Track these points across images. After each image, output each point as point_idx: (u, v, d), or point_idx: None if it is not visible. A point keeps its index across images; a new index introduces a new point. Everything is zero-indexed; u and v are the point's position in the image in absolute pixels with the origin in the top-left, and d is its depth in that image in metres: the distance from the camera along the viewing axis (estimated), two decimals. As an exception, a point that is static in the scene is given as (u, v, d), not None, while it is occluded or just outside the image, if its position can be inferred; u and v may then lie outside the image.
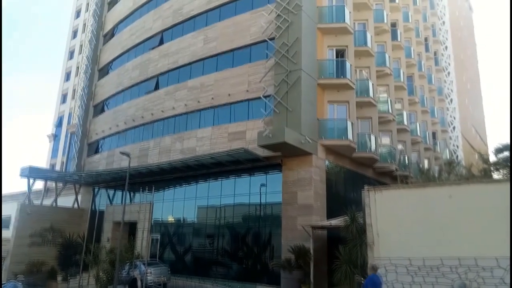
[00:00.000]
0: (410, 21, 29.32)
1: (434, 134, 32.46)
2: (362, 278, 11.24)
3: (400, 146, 24.77)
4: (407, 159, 24.62)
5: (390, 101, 23.49)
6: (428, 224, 11.43)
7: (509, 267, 10.18)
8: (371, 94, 20.99)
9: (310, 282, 14.87)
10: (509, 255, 10.17)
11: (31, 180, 26.94)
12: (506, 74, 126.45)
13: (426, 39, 34.06)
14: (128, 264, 18.15)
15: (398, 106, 25.68)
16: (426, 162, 28.51)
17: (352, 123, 19.00)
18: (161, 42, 26.23)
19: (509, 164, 15.35)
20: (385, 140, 23.19)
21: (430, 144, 30.31)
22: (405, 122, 25.33)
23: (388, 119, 23.01)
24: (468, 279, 10.55)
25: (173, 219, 23.10)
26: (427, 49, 33.79)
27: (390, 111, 23.20)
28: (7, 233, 23.95)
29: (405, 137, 25.56)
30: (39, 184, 31.40)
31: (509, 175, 14.86)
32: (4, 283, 15.82)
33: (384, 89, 23.94)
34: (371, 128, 21.21)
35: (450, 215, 11.26)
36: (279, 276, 16.75)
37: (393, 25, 26.80)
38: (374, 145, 20.45)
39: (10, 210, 25.20)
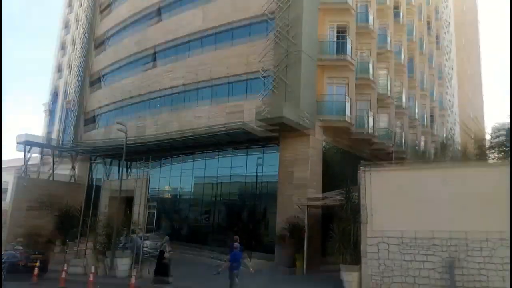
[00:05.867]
0: (413, 2, 28.81)
1: (432, 117, 32.42)
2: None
3: (398, 126, 24.70)
4: (404, 140, 24.63)
5: (390, 82, 23.29)
6: (422, 204, 11.62)
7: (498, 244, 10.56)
8: (370, 74, 20.84)
9: (303, 258, 15.20)
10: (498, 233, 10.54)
11: (28, 151, 26.75)
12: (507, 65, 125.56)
13: (428, 22, 33.55)
14: (125, 236, 18.05)
15: (397, 88, 25.51)
16: (422, 143, 28.53)
17: (350, 100, 18.89)
18: (159, 19, 25.82)
19: (504, 148, 15.45)
20: (383, 120, 23.10)
21: (428, 126, 30.33)
22: (404, 104, 25.22)
23: (386, 100, 22.89)
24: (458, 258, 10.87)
25: (169, 195, 23.29)
26: (429, 32, 33.31)
27: (389, 92, 23.06)
28: (3, 204, 23.95)
29: (403, 118, 25.54)
30: (33, 159, 31.19)
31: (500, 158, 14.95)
32: (3, 253, 15.89)
33: (384, 70, 23.73)
34: (370, 108, 21.12)
35: (443, 196, 11.44)
36: (274, 249, 17.09)
37: (396, 7, 26.34)
38: (372, 124, 20.41)
39: (4, 182, 25.06)
